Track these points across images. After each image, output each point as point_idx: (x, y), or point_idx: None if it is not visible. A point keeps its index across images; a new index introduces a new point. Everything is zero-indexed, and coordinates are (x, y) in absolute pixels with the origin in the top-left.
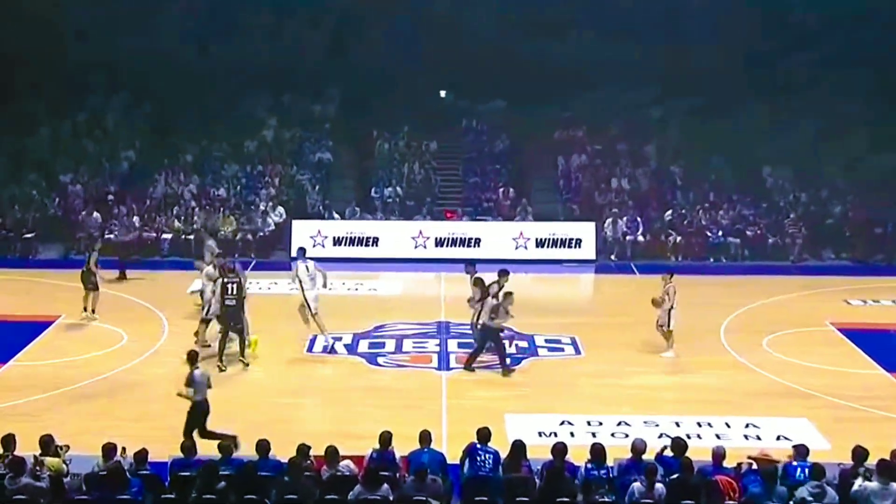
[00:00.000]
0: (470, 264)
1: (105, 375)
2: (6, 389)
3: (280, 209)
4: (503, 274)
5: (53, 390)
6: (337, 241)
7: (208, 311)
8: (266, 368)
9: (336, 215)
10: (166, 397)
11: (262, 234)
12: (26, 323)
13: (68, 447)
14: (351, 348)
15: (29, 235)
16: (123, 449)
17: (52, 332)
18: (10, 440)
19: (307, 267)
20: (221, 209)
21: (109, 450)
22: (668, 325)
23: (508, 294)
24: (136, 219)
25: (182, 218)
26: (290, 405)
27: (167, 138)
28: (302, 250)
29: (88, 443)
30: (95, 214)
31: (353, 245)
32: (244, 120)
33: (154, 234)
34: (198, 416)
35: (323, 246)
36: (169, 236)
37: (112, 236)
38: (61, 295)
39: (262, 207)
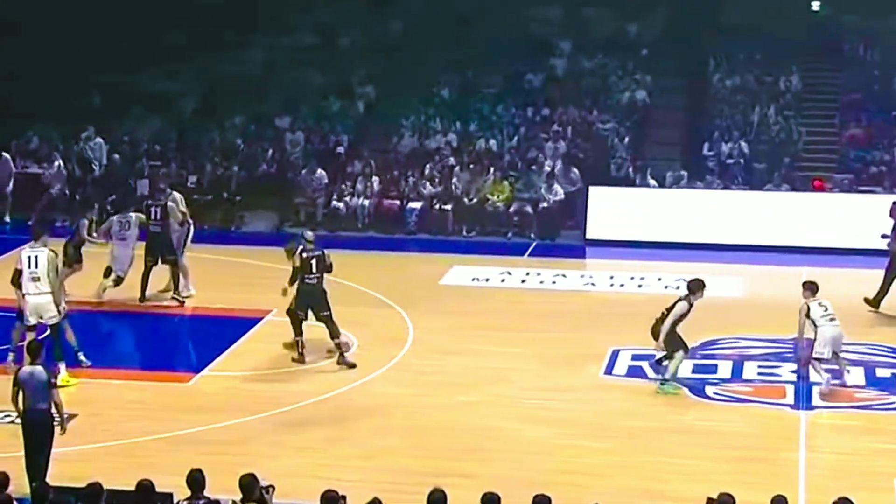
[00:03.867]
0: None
1: (327, 395)
2: (196, 409)
3: (574, 171)
4: (698, 288)
5: (258, 413)
6: (652, 218)
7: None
8: (546, 395)
9: (652, 181)
10: (409, 429)
11: (545, 205)
12: (226, 319)
13: (273, 488)
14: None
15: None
16: (344, 498)
17: (260, 333)
18: (198, 478)
19: None
20: (491, 169)
21: (330, 499)
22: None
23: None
24: (375, 180)
25: (436, 180)
26: (579, 448)
27: (415, 66)
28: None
29: (301, 487)
30: (320, 172)
31: (676, 224)
32: (523, 43)
33: (398, 203)
34: None
35: (631, 223)
36: (418, 205)
37: (340, 204)
38: (273, 282)
39: (547, 167)
